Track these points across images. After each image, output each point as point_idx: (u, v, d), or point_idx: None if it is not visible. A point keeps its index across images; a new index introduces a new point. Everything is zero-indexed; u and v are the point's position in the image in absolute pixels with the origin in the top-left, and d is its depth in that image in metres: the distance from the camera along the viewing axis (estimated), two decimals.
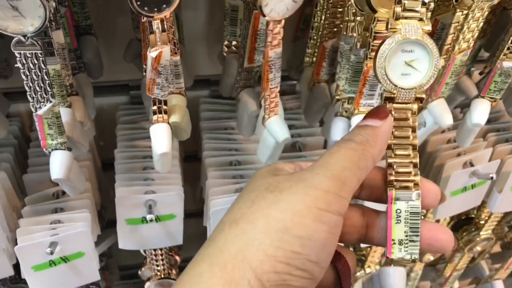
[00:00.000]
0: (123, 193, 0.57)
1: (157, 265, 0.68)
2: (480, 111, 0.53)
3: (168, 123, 0.47)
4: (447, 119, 0.52)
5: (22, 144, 0.66)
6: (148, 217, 0.55)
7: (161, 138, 0.46)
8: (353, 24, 0.47)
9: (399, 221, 0.31)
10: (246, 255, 0.25)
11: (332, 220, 0.27)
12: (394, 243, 0.31)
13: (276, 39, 0.44)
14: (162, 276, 0.70)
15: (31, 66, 0.39)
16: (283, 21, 0.43)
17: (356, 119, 0.51)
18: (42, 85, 0.41)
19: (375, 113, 0.30)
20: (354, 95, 0.51)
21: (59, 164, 0.46)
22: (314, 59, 0.59)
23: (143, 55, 0.47)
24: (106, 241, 0.68)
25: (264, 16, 0.41)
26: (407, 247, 0.31)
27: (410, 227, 0.30)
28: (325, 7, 0.54)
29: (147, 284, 0.71)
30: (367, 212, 0.32)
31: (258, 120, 0.54)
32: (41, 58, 0.39)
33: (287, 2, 0.41)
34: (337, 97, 0.52)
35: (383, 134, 0.30)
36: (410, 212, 0.31)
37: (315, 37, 0.57)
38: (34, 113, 0.42)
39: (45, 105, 0.42)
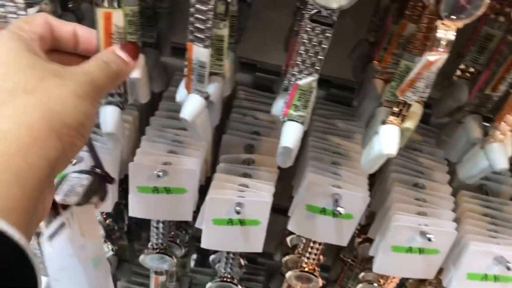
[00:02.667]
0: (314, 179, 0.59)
1: (308, 257, 0.70)
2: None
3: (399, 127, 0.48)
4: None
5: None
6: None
7: (392, 138, 0.47)
8: None
9: None
10: (50, 121, 0.30)
11: (95, 111, 0.35)
12: None
13: None
14: (307, 269, 0.71)
15: (315, 40, 0.42)
16: None
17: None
18: (314, 58, 0.43)
19: (132, 50, 0.39)
20: None
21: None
22: None
23: None
24: None
25: None
26: None
27: None
28: None
29: (288, 273, 0.73)
30: None
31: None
32: (328, 35, 0.41)
33: None
34: None
35: (130, 70, 0.39)
36: None
37: None
38: (292, 82, 0.45)
39: (306, 78, 0.45)
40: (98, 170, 0.48)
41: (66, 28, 0.39)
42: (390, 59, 0.52)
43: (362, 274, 0.73)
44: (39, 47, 0.35)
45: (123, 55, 0.38)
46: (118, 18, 0.39)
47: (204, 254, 0.90)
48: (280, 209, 0.65)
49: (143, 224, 0.81)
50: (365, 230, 0.74)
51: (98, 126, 0.52)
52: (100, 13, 0.39)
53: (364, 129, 0.65)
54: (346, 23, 0.66)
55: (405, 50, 0.49)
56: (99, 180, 0.49)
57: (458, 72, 0.56)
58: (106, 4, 0.39)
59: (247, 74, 0.74)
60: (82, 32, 0.39)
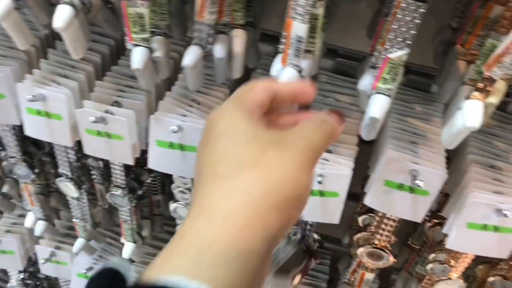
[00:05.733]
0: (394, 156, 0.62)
1: (381, 234, 0.73)
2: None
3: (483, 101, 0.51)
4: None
5: None
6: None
7: (476, 112, 0.50)
8: None
9: None
10: (271, 196, 0.30)
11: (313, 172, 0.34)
12: None
13: None
14: (379, 246, 0.74)
15: (408, 15, 0.46)
16: None
17: None
18: (406, 33, 0.47)
19: (340, 114, 0.37)
20: None
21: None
22: None
23: None
24: None
25: None
26: None
27: None
28: None
29: (359, 250, 0.76)
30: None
31: None
32: (422, 11, 0.45)
33: None
34: None
35: (339, 135, 0.37)
36: None
37: None
38: (383, 56, 0.49)
39: (397, 51, 0.49)
40: (303, 244, 0.46)
41: (285, 89, 0.38)
42: (475, 40, 0.55)
43: (433, 255, 0.75)
44: (259, 114, 0.35)
45: (334, 118, 0.37)
46: None
47: None
48: (348, 195, 0.68)
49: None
50: (436, 216, 0.77)
51: None
52: None
53: (442, 114, 0.68)
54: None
55: (491, 31, 0.52)
56: (303, 254, 0.48)
57: None
58: None
59: (328, 60, 0.79)
60: (300, 88, 0.39)
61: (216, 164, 0.32)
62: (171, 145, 0.66)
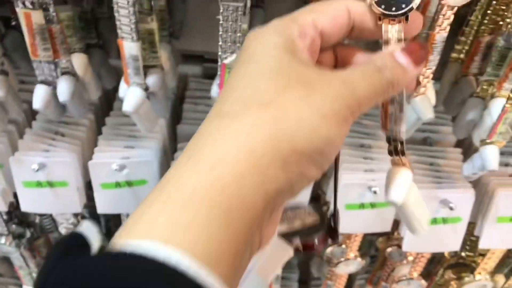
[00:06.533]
0: None
1: None
2: None
3: None
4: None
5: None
6: None
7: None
8: None
9: None
10: (276, 145, 0.24)
11: (345, 131, 0.27)
12: None
13: (444, 23, 0.47)
14: None
15: (230, 18, 0.46)
16: (455, 8, 0.46)
17: (496, 102, 0.54)
18: (234, 37, 0.47)
19: (415, 52, 0.29)
20: (495, 78, 0.55)
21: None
22: (462, 55, 0.61)
23: None
24: None
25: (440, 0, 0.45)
26: None
27: None
28: (485, 6, 0.56)
29: None
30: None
31: None
32: (240, 13, 0.45)
33: None
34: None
35: (407, 82, 0.29)
36: None
37: (468, 34, 0.59)
38: (219, 63, 0.49)
39: (231, 56, 0.48)
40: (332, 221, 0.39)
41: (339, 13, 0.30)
42: None
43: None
44: (303, 45, 0.28)
45: (403, 60, 0.29)
46: (37, 17, 0.43)
47: None
48: None
49: (119, 224, 0.84)
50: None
51: None
52: (21, 13, 0.42)
53: None
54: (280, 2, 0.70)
55: None
56: (323, 230, 0.42)
57: None
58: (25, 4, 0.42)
59: (196, 66, 0.78)
60: (357, 11, 0.30)
61: (226, 97, 0.27)
62: (39, 184, 0.63)
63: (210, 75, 0.77)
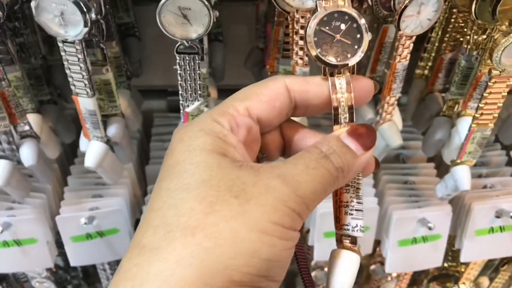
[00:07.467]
0: None
1: None
2: None
3: None
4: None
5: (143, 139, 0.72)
6: None
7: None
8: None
9: None
10: (209, 281, 0.21)
11: (295, 237, 0.24)
12: None
13: (404, 52, 0.47)
14: None
15: (188, 68, 0.44)
16: (414, 37, 0.45)
17: (462, 121, 0.54)
18: (193, 85, 0.45)
19: (363, 136, 0.26)
20: (460, 97, 0.55)
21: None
22: (426, 71, 0.61)
23: None
24: None
25: (399, 30, 0.44)
26: None
27: None
28: (444, 23, 0.56)
29: None
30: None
31: None
32: (197, 61, 0.44)
33: (423, 20, 0.43)
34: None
35: (358, 167, 0.26)
36: None
37: (430, 51, 0.59)
38: (182, 111, 0.47)
39: (193, 104, 0.47)
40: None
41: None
42: (275, 63, 0.55)
43: None
44: (236, 140, 0.25)
45: (352, 144, 0.26)
46: None
47: None
48: None
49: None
50: None
51: None
52: None
53: None
54: (239, 32, 0.69)
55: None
56: None
57: None
58: None
59: (161, 100, 0.76)
60: (298, 89, 0.27)
61: (147, 221, 0.23)
62: (5, 244, 0.60)
63: (175, 108, 0.75)
